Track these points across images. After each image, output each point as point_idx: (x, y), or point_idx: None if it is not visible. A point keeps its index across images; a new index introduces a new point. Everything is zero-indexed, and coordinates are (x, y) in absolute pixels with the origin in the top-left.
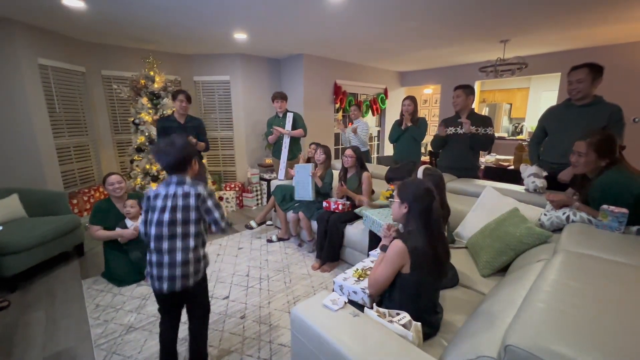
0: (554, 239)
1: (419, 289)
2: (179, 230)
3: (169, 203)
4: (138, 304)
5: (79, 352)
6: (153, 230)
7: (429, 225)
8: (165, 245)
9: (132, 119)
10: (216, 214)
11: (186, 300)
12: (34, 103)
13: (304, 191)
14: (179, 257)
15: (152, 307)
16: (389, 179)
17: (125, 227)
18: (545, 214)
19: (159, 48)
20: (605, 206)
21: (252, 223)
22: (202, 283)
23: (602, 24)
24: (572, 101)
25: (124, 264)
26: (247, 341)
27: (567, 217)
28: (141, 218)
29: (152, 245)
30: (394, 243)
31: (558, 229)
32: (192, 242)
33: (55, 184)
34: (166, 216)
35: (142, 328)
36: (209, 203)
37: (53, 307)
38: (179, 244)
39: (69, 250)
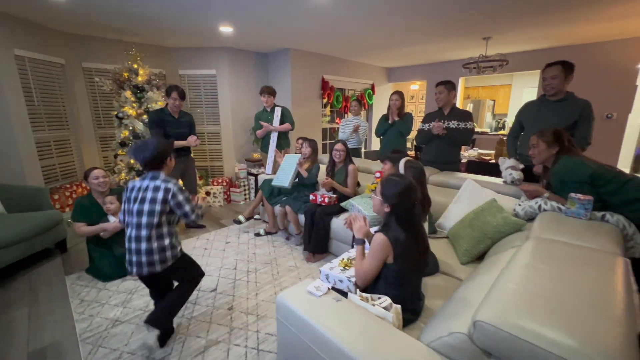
0: (527, 227)
1: (402, 278)
2: (144, 220)
3: (140, 195)
4: (124, 298)
5: (64, 347)
6: (127, 219)
7: (410, 223)
8: (133, 233)
9: (116, 113)
10: (187, 207)
11: (162, 280)
12: (10, 95)
13: (283, 177)
14: (143, 245)
15: (139, 300)
16: (382, 158)
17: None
18: (519, 204)
19: (143, 40)
20: (572, 194)
21: (241, 218)
22: (176, 267)
23: (578, 23)
24: (547, 97)
25: (109, 259)
26: (234, 331)
27: (539, 206)
28: (122, 207)
29: (126, 232)
30: (377, 237)
31: (531, 218)
32: (154, 232)
33: (36, 179)
34: (136, 207)
35: (128, 321)
36: (180, 197)
37: (36, 303)
38: (144, 232)
39: (51, 246)
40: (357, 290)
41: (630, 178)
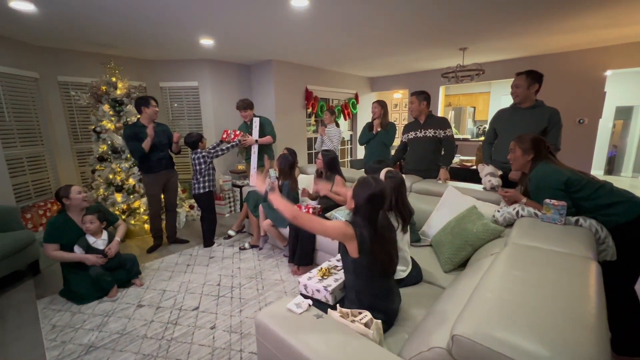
0: (506, 233)
1: (371, 273)
2: None
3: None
4: (100, 322)
5: None
6: None
7: (373, 225)
8: None
9: (93, 127)
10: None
11: None
12: None
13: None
14: None
15: (115, 324)
16: (368, 169)
17: (86, 244)
18: (498, 211)
19: (121, 53)
20: (547, 200)
21: (231, 232)
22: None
23: (547, 34)
24: (517, 105)
25: (84, 280)
26: (216, 352)
27: (517, 212)
28: None
29: None
30: (345, 223)
31: (510, 224)
32: None
33: (6, 198)
34: None
35: (103, 347)
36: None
37: (3, 330)
38: None
39: (22, 268)
40: (337, 305)
41: (602, 184)
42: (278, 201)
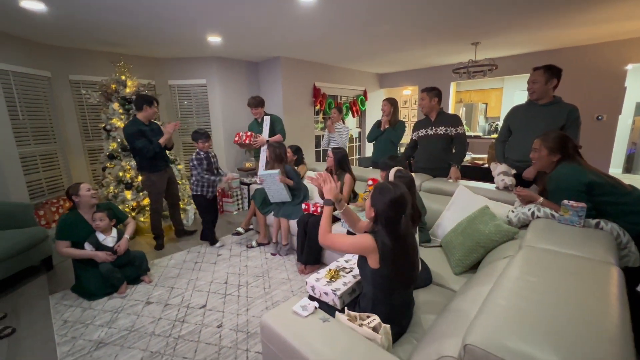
0: (520, 234)
1: (391, 285)
2: None
3: None
4: (109, 318)
5: None
6: None
7: (396, 233)
8: None
9: (103, 125)
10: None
11: None
12: None
13: (279, 195)
14: None
15: (124, 320)
16: (381, 166)
17: (96, 241)
18: (512, 211)
19: (130, 51)
20: (565, 201)
21: (240, 229)
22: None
23: (566, 26)
24: (534, 101)
25: (95, 276)
26: (223, 350)
27: (532, 213)
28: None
29: None
30: (365, 236)
31: (525, 225)
32: None
33: (20, 195)
34: None
35: (112, 343)
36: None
37: (18, 325)
38: None
39: (36, 264)
40: (345, 308)
41: (630, 191)
42: (327, 215)
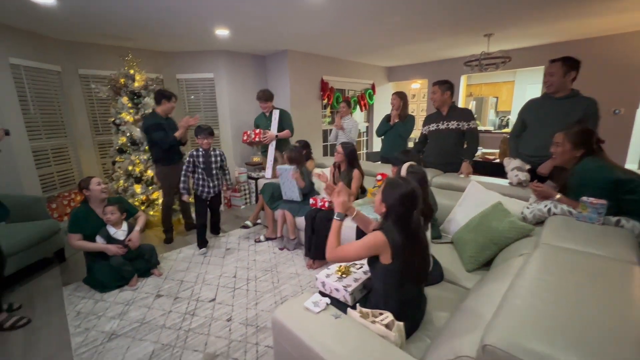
0: (536, 232)
1: (401, 279)
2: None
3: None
4: (121, 310)
5: None
6: None
7: (407, 229)
8: None
9: (113, 119)
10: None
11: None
12: (6, 104)
13: (291, 192)
14: None
15: (135, 312)
16: (392, 160)
17: (107, 234)
18: (527, 207)
19: (138, 45)
20: (584, 198)
21: (248, 222)
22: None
23: (583, 16)
24: (550, 94)
25: (106, 269)
26: (233, 344)
27: (549, 210)
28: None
29: None
30: (375, 234)
31: (540, 222)
32: None
33: (33, 188)
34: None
35: (124, 335)
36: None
37: (33, 316)
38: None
39: (49, 256)
40: (357, 305)
41: None
42: (336, 230)
